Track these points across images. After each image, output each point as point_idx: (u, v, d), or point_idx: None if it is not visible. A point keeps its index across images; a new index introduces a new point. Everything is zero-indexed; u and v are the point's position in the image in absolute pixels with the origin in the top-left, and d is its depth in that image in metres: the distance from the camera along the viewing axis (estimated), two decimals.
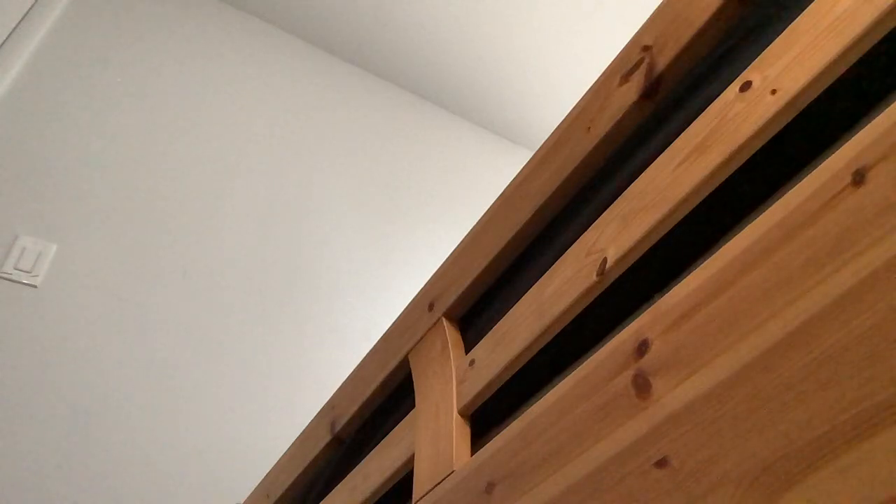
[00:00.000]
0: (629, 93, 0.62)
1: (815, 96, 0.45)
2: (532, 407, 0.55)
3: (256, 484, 1.25)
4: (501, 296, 0.77)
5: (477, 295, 0.80)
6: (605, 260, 0.56)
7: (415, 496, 0.69)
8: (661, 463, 0.40)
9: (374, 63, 2.67)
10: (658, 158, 0.55)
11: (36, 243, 1.71)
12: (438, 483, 0.65)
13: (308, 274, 2.14)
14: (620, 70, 0.65)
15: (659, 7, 0.62)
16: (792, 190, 0.39)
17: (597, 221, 0.60)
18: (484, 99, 2.80)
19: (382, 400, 0.94)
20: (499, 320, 0.70)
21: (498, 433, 0.59)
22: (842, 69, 0.43)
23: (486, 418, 0.71)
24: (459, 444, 0.67)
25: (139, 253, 1.87)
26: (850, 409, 0.31)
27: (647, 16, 0.64)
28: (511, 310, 0.68)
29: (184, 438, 1.69)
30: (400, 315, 0.93)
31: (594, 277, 0.56)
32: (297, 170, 2.31)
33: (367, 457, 0.86)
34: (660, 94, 0.60)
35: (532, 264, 0.73)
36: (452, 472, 0.64)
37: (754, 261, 0.39)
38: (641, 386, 0.44)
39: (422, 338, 0.85)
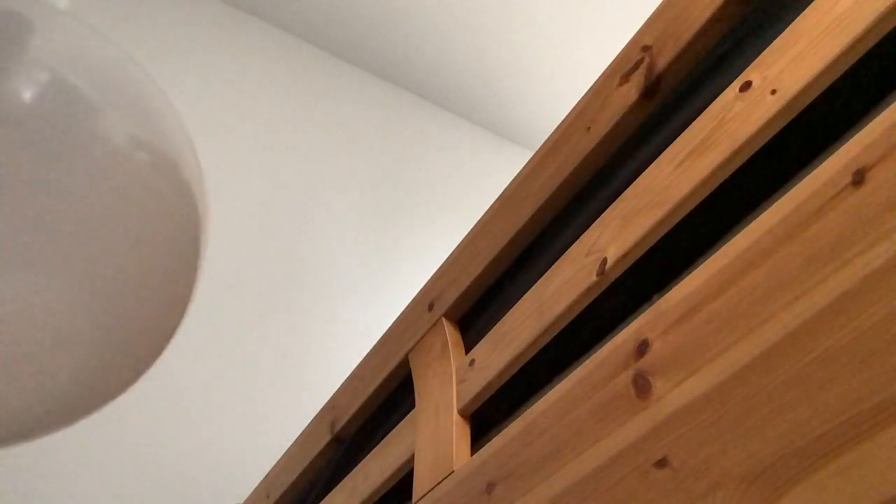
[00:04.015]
0: (629, 93, 0.62)
1: (815, 96, 0.45)
2: (532, 407, 0.55)
3: (256, 484, 1.25)
4: (501, 296, 0.77)
5: (477, 295, 0.80)
6: (605, 260, 0.56)
7: (415, 496, 0.69)
8: (661, 463, 0.40)
9: (374, 63, 2.67)
10: (658, 158, 0.55)
11: None
12: (438, 483, 0.65)
13: (308, 274, 2.14)
14: (620, 70, 0.65)
15: (659, 7, 0.62)
16: (792, 190, 0.39)
17: (597, 221, 0.60)
18: (484, 99, 2.80)
19: (382, 400, 0.94)
20: (499, 320, 0.70)
21: (498, 433, 0.59)
22: (842, 69, 0.43)
23: (486, 418, 0.71)
24: (459, 444, 0.67)
25: None
26: (850, 409, 0.31)
27: (647, 16, 0.64)
28: (511, 310, 0.68)
29: (184, 438, 1.68)
30: (400, 315, 0.93)
31: (594, 277, 0.56)
32: (296, 169, 2.31)
33: (367, 457, 0.86)
34: (660, 94, 0.60)
35: (532, 264, 0.73)
36: (452, 472, 0.64)
37: (754, 261, 0.39)
38: (641, 386, 0.44)
39: (422, 338, 0.85)
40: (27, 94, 0.61)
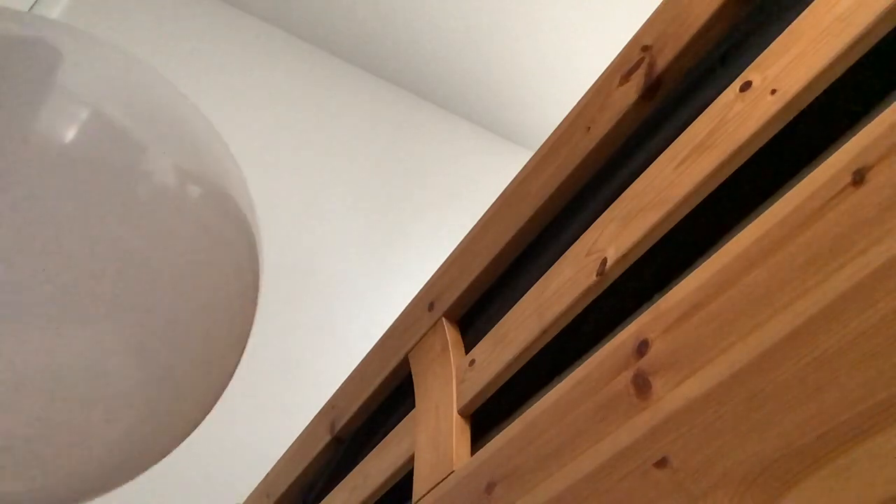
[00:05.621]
0: (629, 93, 0.62)
1: (815, 96, 0.45)
2: (532, 407, 0.55)
3: (256, 484, 1.25)
4: (501, 296, 0.77)
5: (477, 295, 0.80)
6: (605, 260, 0.56)
7: (415, 496, 0.69)
8: (661, 463, 0.40)
9: (374, 63, 2.67)
10: (658, 158, 0.55)
11: None
12: (438, 483, 0.65)
13: (308, 273, 2.14)
14: (620, 70, 0.65)
15: (659, 7, 0.62)
16: (792, 190, 0.39)
17: (597, 221, 0.60)
18: (484, 99, 2.80)
19: (382, 400, 0.94)
20: (499, 320, 0.70)
21: (498, 433, 0.59)
22: (842, 69, 0.43)
23: (486, 418, 0.71)
24: (459, 444, 0.67)
25: None
26: (850, 409, 0.31)
27: (647, 16, 0.64)
28: (511, 310, 0.68)
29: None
30: (400, 315, 0.93)
31: (594, 277, 0.56)
32: (296, 169, 2.31)
33: (367, 457, 0.86)
34: (660, 94, 0.60)
35: (532, 264, 0.73)
36: (452, 472, 0.64)
37: (754, 261, 0.39)
38: (641, 386, 0.44)
39: (422, 338, 0.85)
40: (66, 133, 0.56)
